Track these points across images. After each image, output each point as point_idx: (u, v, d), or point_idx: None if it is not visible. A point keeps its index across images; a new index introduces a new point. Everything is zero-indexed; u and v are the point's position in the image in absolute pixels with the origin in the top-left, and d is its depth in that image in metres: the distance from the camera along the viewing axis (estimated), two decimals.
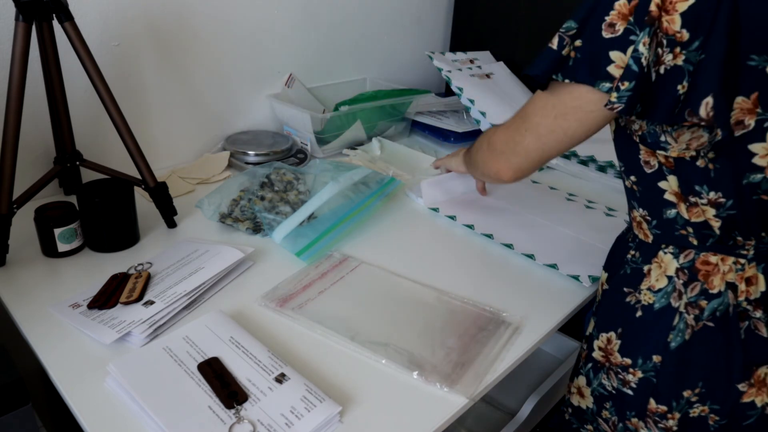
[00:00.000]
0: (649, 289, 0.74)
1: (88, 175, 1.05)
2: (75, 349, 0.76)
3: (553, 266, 0.98)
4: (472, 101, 1.45)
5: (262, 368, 0.71)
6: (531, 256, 1.01)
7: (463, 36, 1.82)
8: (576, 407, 0.86)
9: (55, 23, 0.90)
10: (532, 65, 0.68)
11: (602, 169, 1.34)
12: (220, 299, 0.87)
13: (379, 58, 1.69)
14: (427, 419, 0.69)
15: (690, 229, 0.70)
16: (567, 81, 0.65)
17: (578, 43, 0.64)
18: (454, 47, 1.85)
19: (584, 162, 1.37)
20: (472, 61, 1.62)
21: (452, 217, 1.13)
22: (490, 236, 1.07)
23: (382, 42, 1.68)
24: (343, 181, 1.09)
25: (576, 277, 0.96)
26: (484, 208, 1.17)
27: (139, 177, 1.01)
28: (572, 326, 1.21)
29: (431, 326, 0.83)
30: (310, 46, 1.49)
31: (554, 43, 0.66)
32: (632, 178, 0.74)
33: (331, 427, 0.66)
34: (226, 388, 0.68)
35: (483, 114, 1.44)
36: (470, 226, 1.10)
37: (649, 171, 0.71)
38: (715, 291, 0.70)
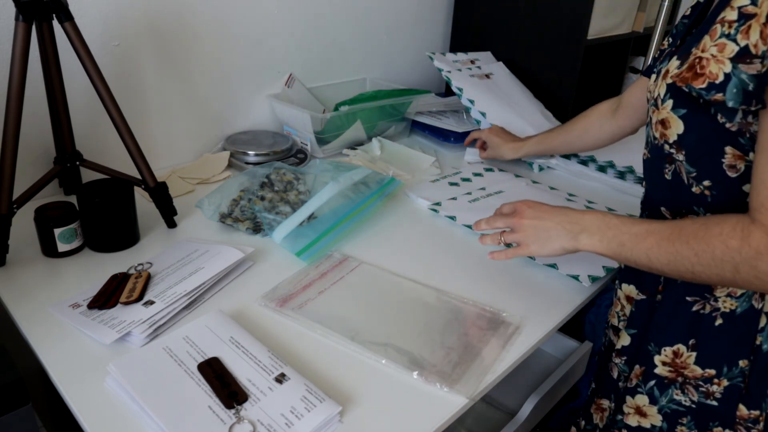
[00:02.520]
0: (729, 295, 0.71)
1: (88, 175, 1.05)
2: (75, 349, 0.76)
3: (553, 266, 0.98)
4: (472, 101, 1.46)
5: (262, 368, 0.71)
6: (531, 256, 1.01)
7: (463, 36, 1.82)
8: (635, 428, 0.82)
9: (55, 23, 0.90)
10: None
11: (602, 169, 1.34)
12: (220, 299, 0.87)
13: (379, 58, 1.69)
14: (427, 419, 0.69)
15: None
16: None
17: None
18: (454, 47, 1.85)
19: (584, 162, 1.37)
20: (472, 62, 1.62)
21: (452, 218, 1.13)
22: None
23: (382, 42, 1.68)
24: (343, 181, 1.09)
25: (576, 277, 0.96)
26: (484, 208, 1.17)
27: (139, 177, 1.01)
28: (572, 326, 1.21)
29: (431, 326, 0.83)
30: (310, 46, 1.49)
31: None
32: (706, 183, 0.69)
33: (331, 427, 0.66)
34: (226, 388, 0.68)
35: (483, 114, 1.44)
36: (470, 227, 1.10)
37: (733, 175, 0.67)
38: None
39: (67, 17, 0.89)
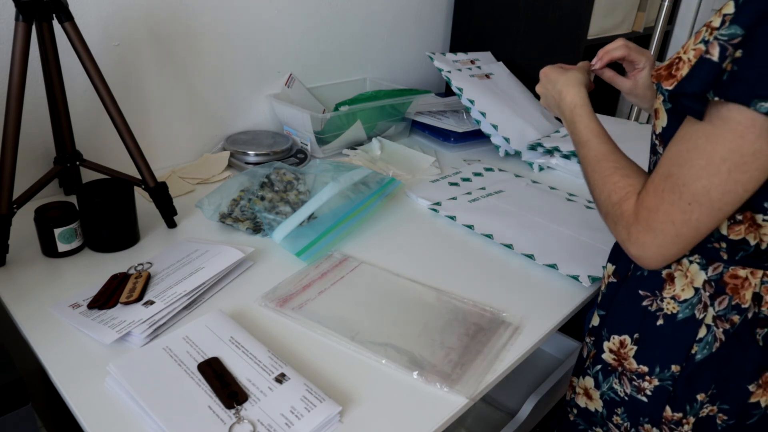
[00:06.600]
0: (673, 298, 0.71)
1: (88, 175, 1.06)
2: (75, 349, 0.76)
3: (553, 266, 0.98)
4: (472, 101, 1.45)
5: (262, 368, 0.71)
6: (531, 256, 1.01)
7: (463, 36, 1.82)
8: (583, 409, 0.85)
9: (55, 23, 0.90)
10: (685, 81, 0.57)
11: None
12: (220, 299, 0.87)
13: (379, 58, 1.69)
14: (427, 419, 0.69)
15: (723, 244, 0.67)
16: (717, 99, 0.54)
17: (738, 53, 0.54)
18: (454, 47, 1.85)
19: None
20: (472, 62, 1.62)
21: (452, 217, 1.13)
22: (489, 236, 1.07)
23: (382, 42, 1.68)
24: (343, 181, 1.09)
25: (575, 277, 0.96)
26: (484, 208, 1.17)
27: (139, 177, 1.01)
28: (572, 326, 1.21)
29: (431, 326, 0.83)
30: (310, 46, 1.49)
31: (714, 54, 0.55)
32: None
33: (331, 427, 0.66)
34: (226, 388, 0.68)
35: (483, 114, 1.44)
36: (470, 226, 1.10)
37: None
38: (746, 305, 0.68)
39: (67, 17, 0.89)
